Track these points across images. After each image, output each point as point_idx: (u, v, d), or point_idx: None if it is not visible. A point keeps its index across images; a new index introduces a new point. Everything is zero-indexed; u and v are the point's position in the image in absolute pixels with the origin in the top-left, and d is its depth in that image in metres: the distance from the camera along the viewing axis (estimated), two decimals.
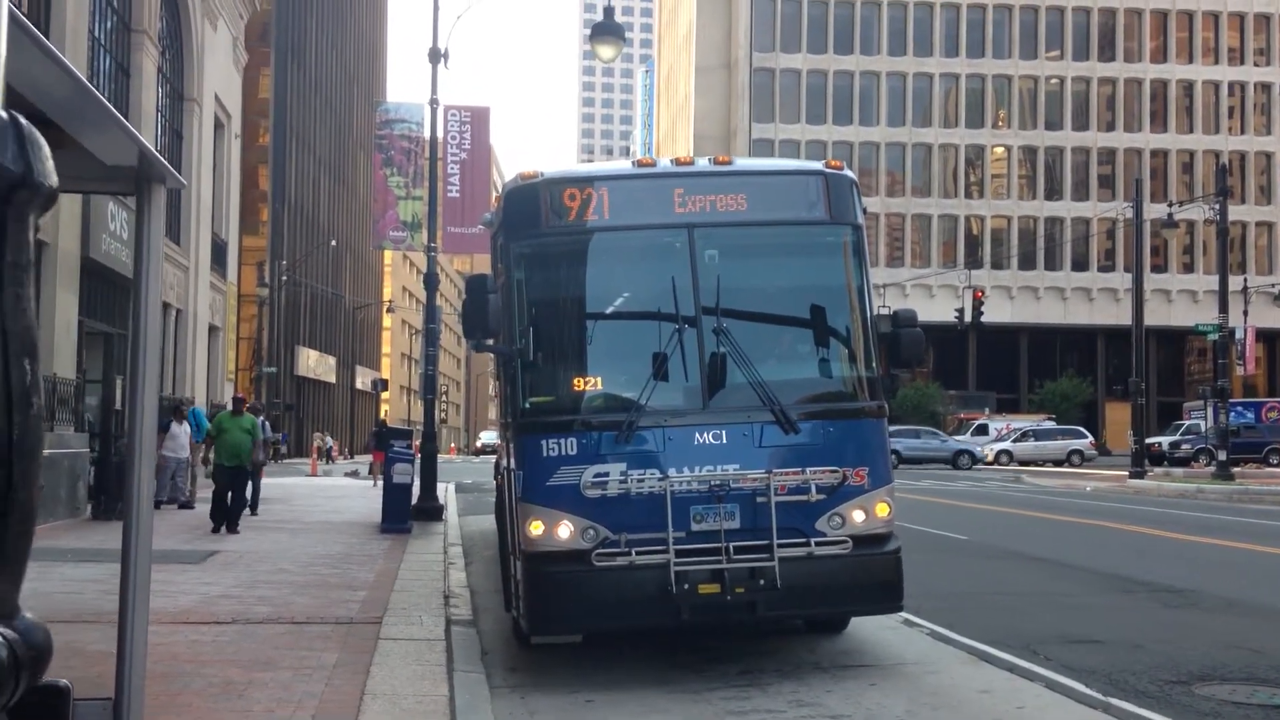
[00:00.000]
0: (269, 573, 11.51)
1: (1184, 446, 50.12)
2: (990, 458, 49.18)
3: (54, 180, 1.55)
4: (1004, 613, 10.37)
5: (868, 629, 9.20)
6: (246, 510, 16.66)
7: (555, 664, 7.98)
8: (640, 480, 7.25)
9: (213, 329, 28.97)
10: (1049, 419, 58.63)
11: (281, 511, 19.60)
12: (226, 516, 15.50)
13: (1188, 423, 54.85)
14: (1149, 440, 56.08)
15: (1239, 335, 48.68)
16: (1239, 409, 51.32)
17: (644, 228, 7.86)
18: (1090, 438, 52.52)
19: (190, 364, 26.24)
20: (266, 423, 17.76)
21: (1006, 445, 50.79)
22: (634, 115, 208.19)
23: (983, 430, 54.39)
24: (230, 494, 15.56)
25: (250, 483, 16.89)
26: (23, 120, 1.50)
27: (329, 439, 53.89)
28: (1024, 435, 51.72)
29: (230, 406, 17.44)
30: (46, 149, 1.55)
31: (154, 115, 23.62)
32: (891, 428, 41.96)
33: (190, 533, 15.83)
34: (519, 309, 7.70)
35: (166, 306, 23.61)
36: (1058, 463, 48.95)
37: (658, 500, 7.21)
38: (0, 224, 1.45)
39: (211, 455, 16.57)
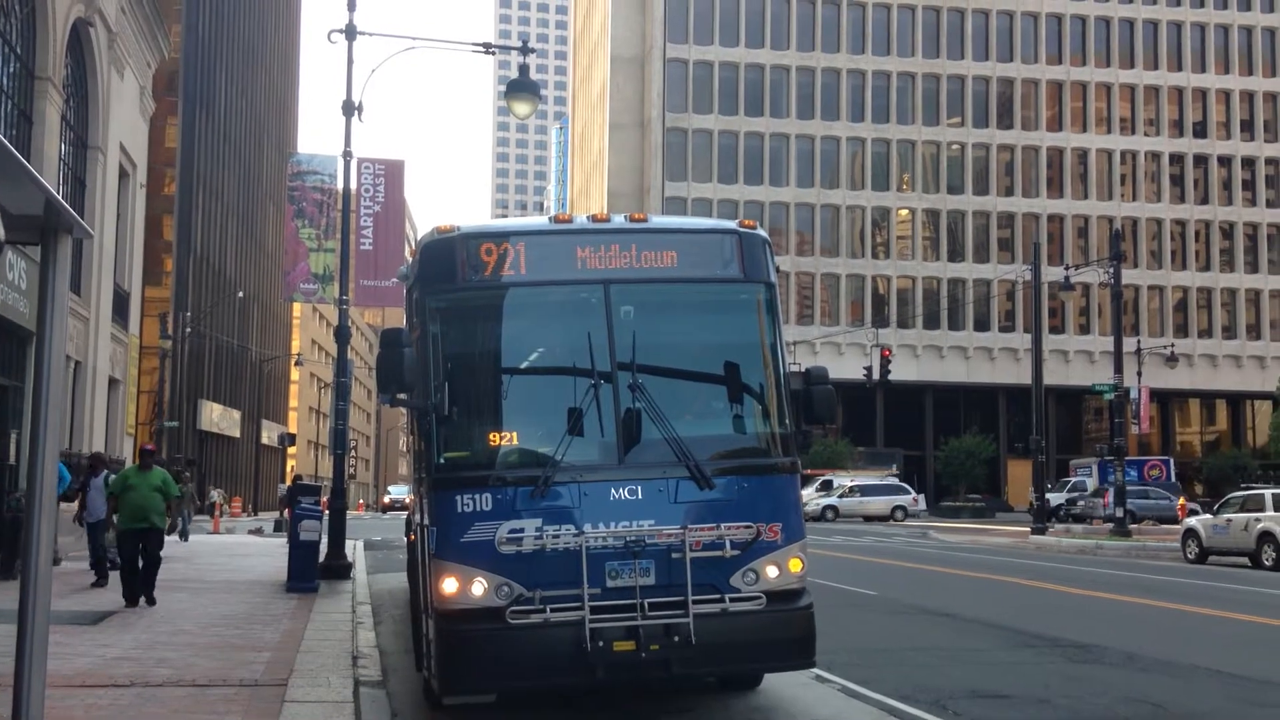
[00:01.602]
0: (169, 634, 11.14)
1: (1080, 504, 51.68)
2: (817, 513, 50.53)
3: (2, 234, 1.51)
4: (914, 668, 10.47)
5: (781, 685, 9.21)
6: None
7: None
8: (555, 536, 7.21)
9: (113, 382, 28.17)
10: (892, 475, 60.33)
11: (183, 570, 19.03)
12: (142, 587, 13.52)
13: (1074, 479, 56.61)
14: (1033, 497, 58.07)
15: (1134, 395, 50.24)
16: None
17: (560, 283, 7.88)
18: (913, 494, 54.91)
19: (89, 418, 25.44)
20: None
21: (832, 500, 52.38)
22: (548, 171, 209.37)
23: (827, 486, 55.58)
24: (142, 561, 13.51)
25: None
26: None
27: (214, 494, 51.98)
28: (850, 491, 53.29)
29: (136, 460, 15.12)
30: None
31: (56, 163, 23.08)
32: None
33: (86, 592, 15.28)
34: (434, 363, 7.65)
35: (65, 359, 22.93)
36: (882, 518, 51.78)
37: (573, 556, 7.17)
38: None
39: (115, 518, 14.24)
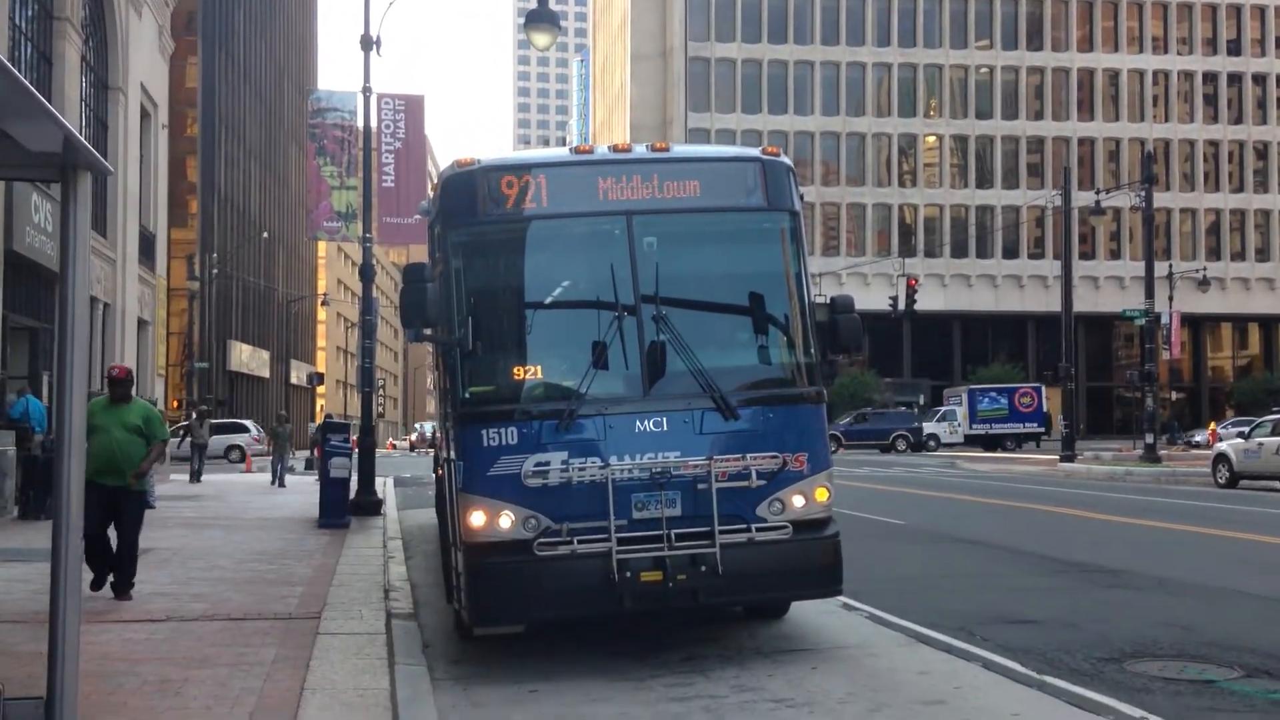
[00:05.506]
0: (203, 570, 11.32)
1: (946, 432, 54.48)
2: None
3: None
4: (941, 595, 10.51)
5: (807, 613, 9.26)
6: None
7: (498, 655, 7.94)
8: (581, 469, 7.23)
9: (142, 323, 28.37)
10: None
11: (216, 508, 19.30)
12: (111, 567, 9.43)
13: (945, 409, 57.07)
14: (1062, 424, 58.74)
15: (1164, 320, 49.70)
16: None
17: (582, 215, 7.81)
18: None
19: (119, 359, 25.66)
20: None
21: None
22: (570, 104, 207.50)
23: None
24: (115, 531, 9.37)
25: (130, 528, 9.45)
26: None
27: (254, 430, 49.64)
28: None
29: (106, 390, 9.93)
30: None
31: (78, 104, 23.04)
32: None
33: None
34: (457, 298, 7.62)
35: (94, 301, 23.10)
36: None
37: (599, 489, 7.19)
38: None
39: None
